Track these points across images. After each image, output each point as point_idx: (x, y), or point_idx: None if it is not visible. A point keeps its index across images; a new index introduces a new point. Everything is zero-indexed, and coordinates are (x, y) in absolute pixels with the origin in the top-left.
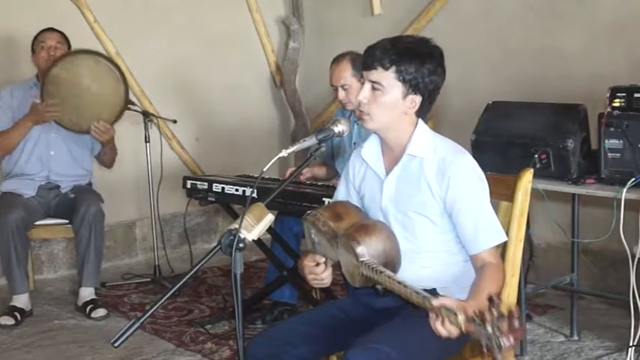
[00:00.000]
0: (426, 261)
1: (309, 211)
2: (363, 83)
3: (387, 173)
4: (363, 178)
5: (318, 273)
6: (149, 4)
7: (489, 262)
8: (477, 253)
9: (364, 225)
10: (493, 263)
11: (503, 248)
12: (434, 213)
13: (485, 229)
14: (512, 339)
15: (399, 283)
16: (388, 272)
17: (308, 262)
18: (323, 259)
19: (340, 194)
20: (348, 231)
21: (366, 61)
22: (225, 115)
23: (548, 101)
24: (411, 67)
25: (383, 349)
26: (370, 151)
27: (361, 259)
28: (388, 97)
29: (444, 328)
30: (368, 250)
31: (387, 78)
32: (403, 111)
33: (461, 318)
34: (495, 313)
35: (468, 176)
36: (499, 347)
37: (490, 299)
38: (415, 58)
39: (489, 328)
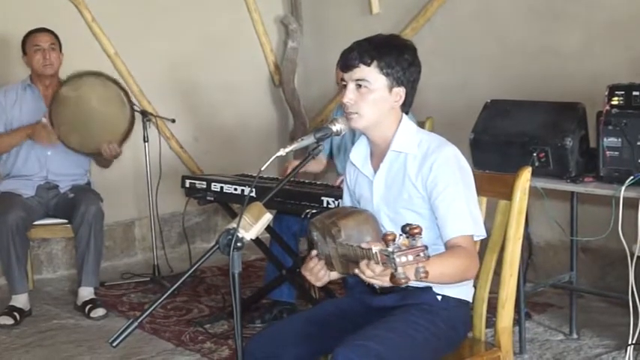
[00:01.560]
0: None
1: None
2: (344, 86)
3: (375, 173)
4: (356, 182)
5: (312, 267)
6: (148, 4)
7: (460, 246)
8: (448, 239)
9: (346, 213)
10: (464, 247)
11: (501, 247)
12: (421, 206)
13: (459, 216)
14: (410, 256)
15: (351, 245)
16: (349, 242)
17: (307, 260)
18: (315, 253)
19: (346, 202)
20: (331, 219)
21: (345, 63)
22: (224, 115)
23: (547, 100)
24: (391, 60)
25: (370, 346)
26: (358, 154)
27: (338, 240)
28: (375, 93)
29: (369, 269)
30: (344, 231)
31: (371, 73)
32: (390, 106)
33: (375, 249)
34: (401, 235)
35: (449, 163)
36: (394, 264)
37: (403, 226)
38: (393, 50)
39: (391, 248)
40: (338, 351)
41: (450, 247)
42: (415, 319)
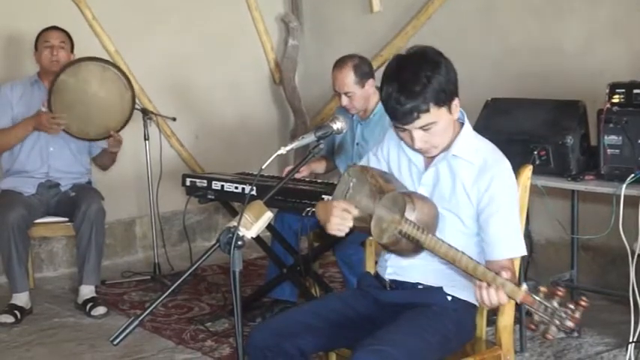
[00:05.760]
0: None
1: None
2: (409, 132)
3: (426, 167)
4: (398, 166)
5: (351, 212)
6: (148, 2)
7: (509, 269)
8: (495, 259)
9: (420, 195)
10: (511, 269)
11: None
12: (466, 215)
13: (510, 238)
14: (571, 324)
15: (450, 246)
16: (433, 235)
17: (344, 204)
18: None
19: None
20: (401, 190)
21: (403, 120)
22: (225, 113)
23: (547, 98)
24: (436, 88)
25: (388, 351)
26: None
27: (406, 216)
28: (442, 124)
29: (496, 296)
30: (417, 214)
31: (432, 115)
32: (453, 119)
33: (524, 287)
34: (563, 294)
35: (508, 182)
36: (563, 326)
37: (556, 282)
38: (431, 78)
39: (556, 304)
40: (356, 356)
41: (495, 267)
42: (428, 322)
